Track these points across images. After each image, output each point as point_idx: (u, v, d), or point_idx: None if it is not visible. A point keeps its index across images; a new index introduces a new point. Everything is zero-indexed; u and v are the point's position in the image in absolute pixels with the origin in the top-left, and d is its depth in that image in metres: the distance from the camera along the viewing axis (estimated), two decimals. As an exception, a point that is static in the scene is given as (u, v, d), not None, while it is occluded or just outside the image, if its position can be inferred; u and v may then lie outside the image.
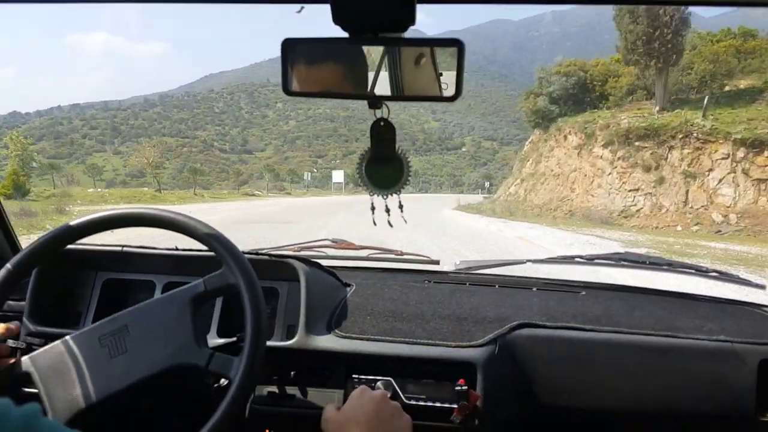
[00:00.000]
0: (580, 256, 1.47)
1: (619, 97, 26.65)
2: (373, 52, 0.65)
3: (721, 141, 17.33)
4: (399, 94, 0.67)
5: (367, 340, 1.07)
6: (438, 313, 1.15)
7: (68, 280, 1.21)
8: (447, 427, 1.00)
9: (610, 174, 20.04)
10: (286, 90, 0.65)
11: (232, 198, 37.59)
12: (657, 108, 21.69)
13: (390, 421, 0.78)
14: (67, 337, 0.87)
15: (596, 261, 1.46)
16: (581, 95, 28.76)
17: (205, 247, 0.91)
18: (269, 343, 1.03)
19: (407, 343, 1.06)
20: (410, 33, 0.63)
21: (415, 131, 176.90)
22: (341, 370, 1.06)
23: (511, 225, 15.62)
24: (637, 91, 26.54)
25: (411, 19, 0.58)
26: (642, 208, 18.38)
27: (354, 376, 1.05)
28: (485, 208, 24.58)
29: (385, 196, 0.75)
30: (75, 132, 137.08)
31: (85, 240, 0.96)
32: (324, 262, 1.28)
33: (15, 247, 1.39)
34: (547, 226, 15.72)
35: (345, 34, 0.61)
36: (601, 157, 20.75)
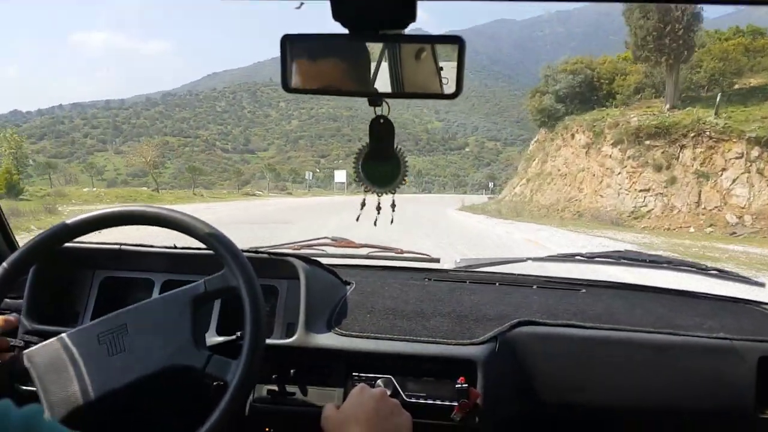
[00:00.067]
0: (580, 254, 1.47)
1: (626, 96, 26.27)
2: (374, 49, 0.65)
3: (734, 140, 16.88)
4: (399, 90, 0.67)
5: (367, 338, 1.06)
6: (438, 311, 1.15)
7: (66, 279, 1.20)
8: (447, 425, 0.99)
9: (619, 174, 19.52)
10: (286, 86, 0.65)
11: (232, 198, 37.32)
12: (667, 106, 21.14)
13: (390, 418, 0.78)
14: (65, 334, 0.87)
15: (596, 259, 1.46)
16: (588, 93, 28.34)
17: (203, 245, 0.91)
18: (269, 341, 1.02)
19: (407, 340, 1.06)
20: (411, 30, 0.63)
21: (419, 131, 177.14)
22: (341, 368, 1.06)
23: (518, 226, 15.11)
24: (645, 89, 26.17)
25: (411, 16, 0.59)
26: (653, 209, 17.84)
27: (354, 374, 1.05)
28: (490, 209, 24.17)
29: (380, 194, 0.74)
30: (76, 131, 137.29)
31: (83, 238, 0.95)
32: (324, 261, 1.27)
33: (12, 245, 1.37)
34: (557, 228, 15.20)
35: (345, 31, 0.61)
36: (610, 156, 20.23)
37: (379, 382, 1.03)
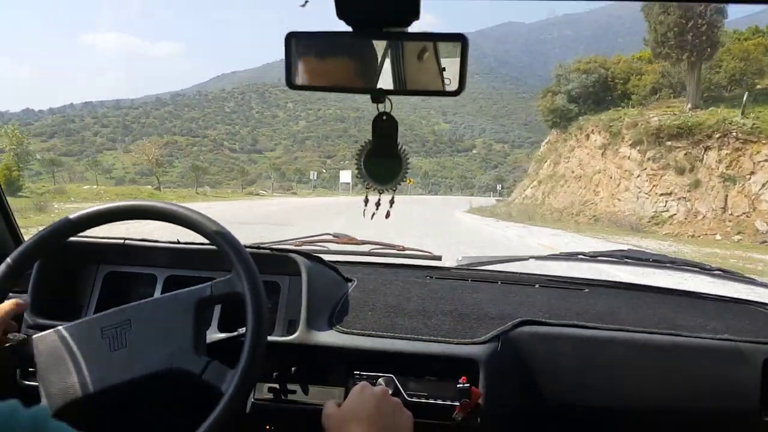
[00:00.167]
0: (583, 253, 1.49)
1: (642, 96, 25.50)
2: (377, 46, 0.66)
3: (763, 141, 16.01)
4: (402, 88, 0.67)
5: (369, 336, 1.06)
6: (440, 310, 1.14)
7: (70, 273, 1.19)
8: (448, 424, 0.99)
9: (638, 176, 18.55)
10: (290, 83, 0.66)
11: (236, 197, 36.77)
12: (689, 105, 20.15)
13: (391, 417, 0.77)
14: (70, 324, 0.87)
15: (599, 258, 1.48)
16: (602, 93, 27.61)
17: (206, 241, 0.91)
18: (270, 338, 1.00)
19: (409, 339, 1.05)
20: (415, 28, 0.64)
21: (426, 132, 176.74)
22: (342, 367, 1.05)
23: (531, 230, 14.22)
24: (662, 89, 25.36)
25: (415, 14, 0.60)
26: (675, 215, 16.87)
27: (355, 372, 1.04)
28: (500, 212, 23.31)
29: (381, 191, 0.75)
30: (86, 130, 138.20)
31: (87, 232, 0.95)
32: (325, 257, 1.26)
33: (17, 239, 1.37)
34: (574, 233, 14.28)
35: (349, 28, 0.62)
36: (629, 157, 19.26)
37: (380, 380, 1.02)
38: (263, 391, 1.05)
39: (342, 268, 1.27)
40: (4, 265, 0.87)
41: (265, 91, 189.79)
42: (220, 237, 0.88)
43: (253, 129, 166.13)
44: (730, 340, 1.08)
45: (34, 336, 0.86)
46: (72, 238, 0.94)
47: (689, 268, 1.40)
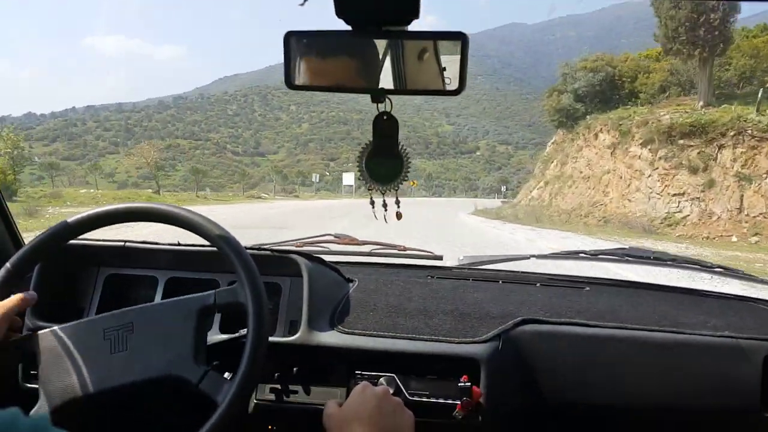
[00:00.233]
0: (584, 252, 1.49)
1: (650, 95, 24.93)
2: (377, 46, 0.65)
3: (780, 139, 15.24)
4: (402, 87, 0.67)
5: (370, 336, 1.06)
6: (441, 309, 1.14)
7: (70, 276, 1.20)
8: (450, 423, 0.99)
9: (650, 176, 17.91)
10: (289, 83, 0.66)
11: (237, 200, 36.35)
12: (701, 103, 19.51)
13: (392, 417, 0.78)
14: (74, 323, 0.88)
15: (600, 256, 1.48)
16: (609, 92, 27.10)
17: (206, 243, 0.91)
18: (271, 338, 1.00)
19: (410, 339, 1.05)
20: (415, 27, 0.65)
21: (429, 134, 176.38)
22: (344, 367, 1.05)
23: (540, 233, 13.63)
24: (670, 87, 24.79)
25: (415, 13, 0.60)
26: (689, 216, 16.24)
27: (357, 372, 1.04)
28: (506, 214, 22.70)
29: (383, 192, 0.75)
30: (88, 133, 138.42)
31: (87, 235, 0.96)
32: (326, 258, 1.26)
33: (18, 243, 1.37)
34: (585, 236, 13.69)
35: (348, 28, 0.62)
36: (639, 157, 18.62)
37: (381, 380, 1.02)
38: (265, 392, 1.05)
39: (343, 268, 1.27)
40: (3, 269, 0.87)
41: (268, 94, 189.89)
42: (221, 239, 0.88)
43: (256, 132, 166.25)
44: (731, 337, 1.08)
45: (39, 332, 0.86)
46: (72, 241, 0.95)
47: (690, 265, 1.41)
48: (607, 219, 18.54)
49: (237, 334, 1.03)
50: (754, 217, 14.85)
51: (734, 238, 14.47)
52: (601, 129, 21.89)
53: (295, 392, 1.04)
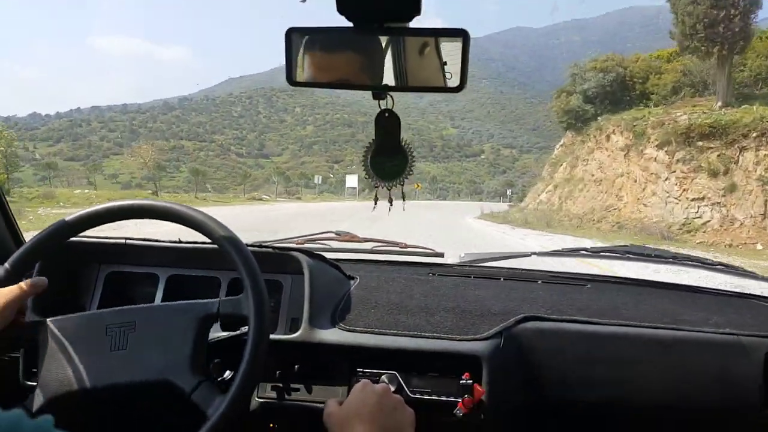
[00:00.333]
0: (586, 249, 1.49)
1: (662, 96, 23.99)
2: (378, 42, 0.66)
3: (806, 141, 14.39)
4: (403, 84, 0.67)
5: (372, 333, 1.06)
6: (442, 306, 1.14)
7: (71, 273, 1.20)
8: (451, 421, 0.99)
9: (666, 180, 17.03)
10: (290, 80, 0.66)
11: (238, 202, 35.69)
12: (719, 103, 18.61)
13: (393, 414, 0.78)
14: (78, 315, 0.88)
15: (602, 254, 1.50)
16: (620, 93, 26.20)
17: (207, 240, 0.91)
18: (273, 336, 1.01)
19: (412, 336, 1.05)
20: (416, 25, 0.64)
21: (434, 138, 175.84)
22: (345, 364, 1.06)
23: (553, 239, 12.82)
24: (683, 88, 23.89)
25: (416, 9, 0.60)
26: (710, 221, 15.35)
27: (358, 369, 1.05)
28: (515, 218, 21.88)
29: (389, 187, 0.76)
30: (93, 134, 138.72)
31: (88, 232, 0.96)
32: (328, 255, 1.26)
33: (18, 241, 1.37)
34: (602, 243, 12.78)
35: (350, 24, 0.62)
36: (655, 159, 17.74)
37: (383, 378, 1.02)
38: (267, 390, 1.06)
39: (344, 266, 1.27)
40: (2, 269, 0.87)
41: (273, 96, 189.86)
42: (222, 236, 0.88)
43: (261, 134, 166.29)
44: (732, 334, 1.08)
45: (48, 320, 0.86)
46: (73, 239, 0.95)
47: (691, 263, 1.43)
48: (621, 224, 17.68)
49: (238, 332, 1.02)
50: (780, 223, 14.00)
51: (759, 246, 13.60)
52: (614, 130, 21.05)
53: (297, 390, 1.04)
